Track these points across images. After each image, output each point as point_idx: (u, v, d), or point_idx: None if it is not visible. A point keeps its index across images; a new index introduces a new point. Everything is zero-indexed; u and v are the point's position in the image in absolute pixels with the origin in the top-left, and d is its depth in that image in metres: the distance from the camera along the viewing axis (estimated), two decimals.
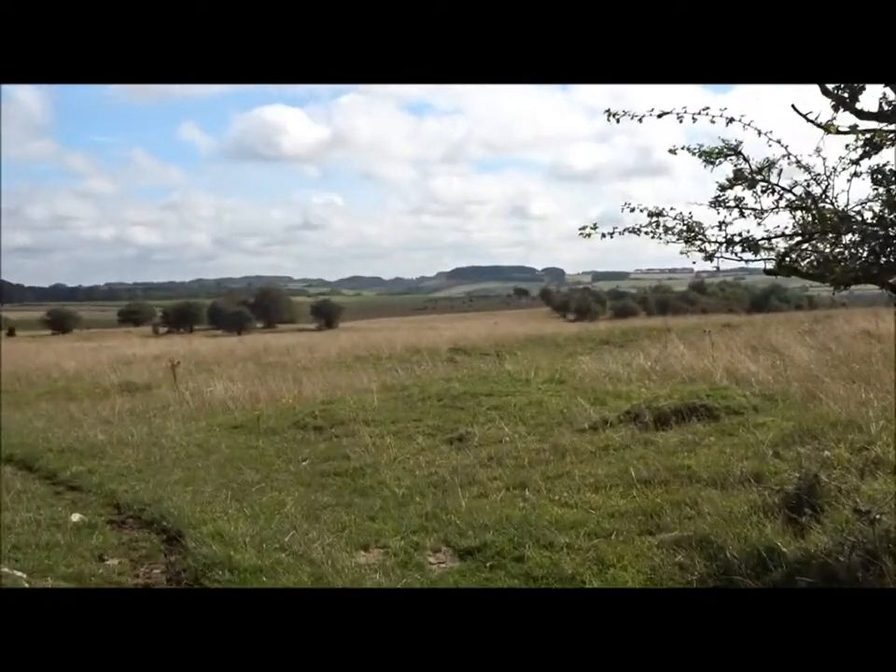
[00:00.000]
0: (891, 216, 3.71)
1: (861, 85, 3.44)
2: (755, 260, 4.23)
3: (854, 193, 3.89)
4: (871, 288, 4.19)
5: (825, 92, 3.57)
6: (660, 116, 3.80)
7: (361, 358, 20.43)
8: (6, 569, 4.37)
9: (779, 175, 4.10)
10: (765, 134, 3.88)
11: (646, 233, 4.72)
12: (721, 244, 4.22)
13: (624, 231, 4.62)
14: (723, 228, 4.24)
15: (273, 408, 10.46)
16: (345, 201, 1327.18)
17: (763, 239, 4.21)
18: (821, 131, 3.69)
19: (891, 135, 3.62)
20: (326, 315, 78.73)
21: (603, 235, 4.52)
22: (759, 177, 4.12)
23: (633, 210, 4.74)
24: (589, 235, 4.51)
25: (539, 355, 17.04)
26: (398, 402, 9.70)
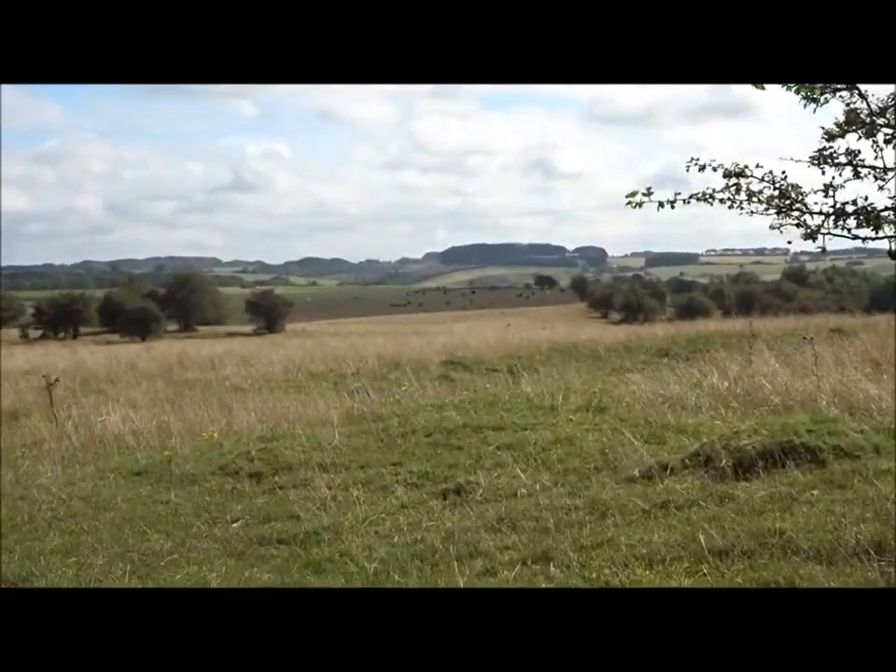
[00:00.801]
0: None
1: None
2: (876, 239, 4.22)
3: None
4: None
5: None
6: None
7: (317, 375, 20.44)
8: None
9: None
10: None
11: (721, 201, 4.71)
12: (827, 215, 4.21)
13: (691, 197, 4.62)
14: (831, 193, 4.24)
15: (191, 446, 10.44)
16: (294, 151, 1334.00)
17: (887, 209, 4.21)
18: None
19: None
20: (267, 312, 78.90)
21: (661, 204, 4.53)
22: (881, 121, 4.11)
23: (703, 167, 4.74)
24: (640, 204, 4.51)
25: (569, 371, 17.02)
26: (368, 439, 9.69)
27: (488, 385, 13.94)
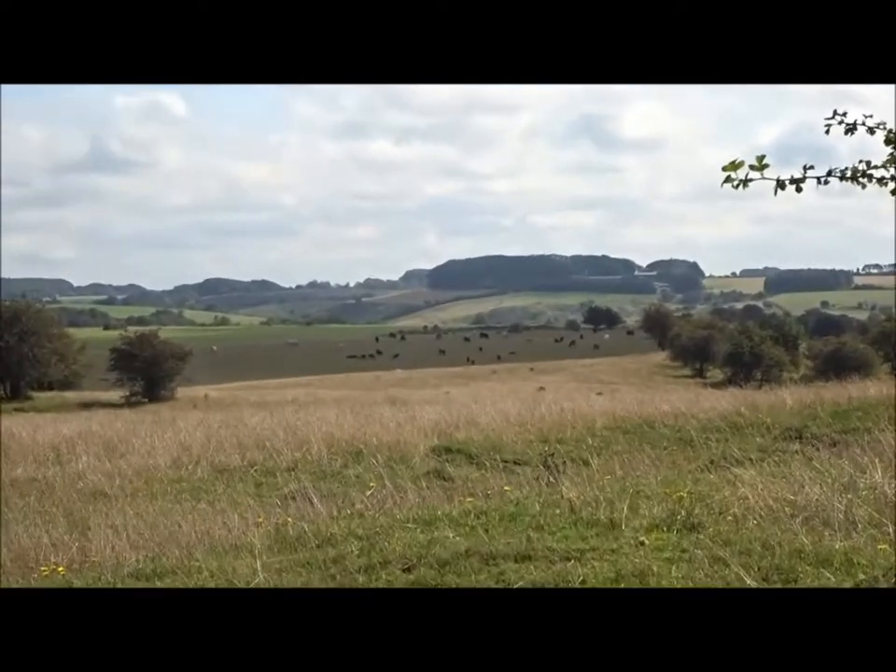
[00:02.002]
0: None
1: None
2: None
3: None
4: None
5: None
6: None
7: (229, 471, 20.36)
8: None
9: None
10: None
11: (882, 181, 4.70)
12: None
13: (831, 174, 4.61)
14: None
15: (25, 585, 10.37)
16: (194, 106, 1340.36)
17: None
18: None
19: None
20: (147, 369, 78.63)
21: (781, 184, 4.50)
22: None
23: (852, 128, 4.75)
24: (746, 182, 4.49)
25: (640, 464, 16.94)
26: (311, 575, 9.62)
27: (507, 488, 13.88)
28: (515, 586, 8.12)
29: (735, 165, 4.57)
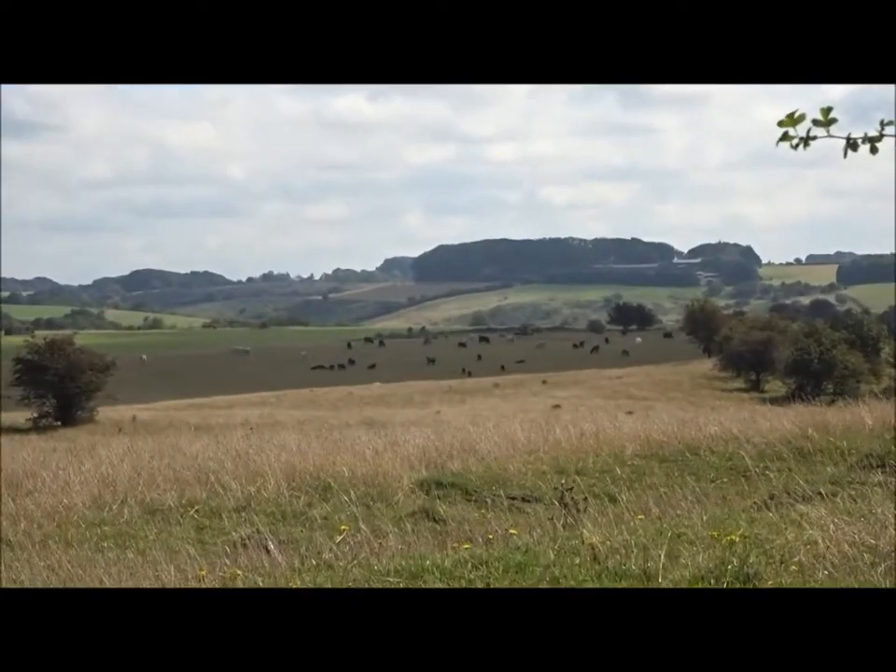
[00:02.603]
0: None
1: None
2: None
3: None
4: None
5: None
6: None
7: (163, 512, 20.29)
8: None
9: None
10: None
11: None
12: None
13: None
14: None
15: None
16: None
17: None
18: None
19: None
20: (59, 383, 78.24)
21: (852, 144, 4.51)
22: None
23: None
24: (807, 141, 4.51)
25: (681, 499, 16.92)
26: None
27: (513, 531, 13.87)
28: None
29: (794, 119, 4.57)
